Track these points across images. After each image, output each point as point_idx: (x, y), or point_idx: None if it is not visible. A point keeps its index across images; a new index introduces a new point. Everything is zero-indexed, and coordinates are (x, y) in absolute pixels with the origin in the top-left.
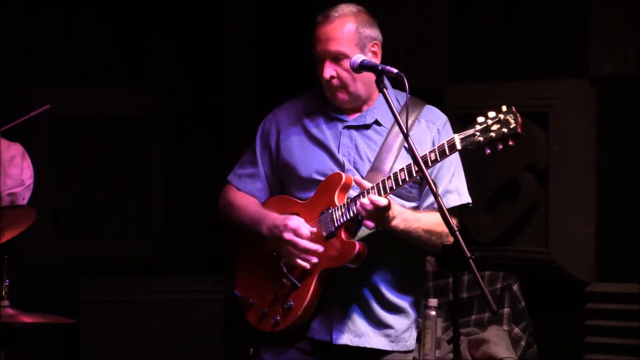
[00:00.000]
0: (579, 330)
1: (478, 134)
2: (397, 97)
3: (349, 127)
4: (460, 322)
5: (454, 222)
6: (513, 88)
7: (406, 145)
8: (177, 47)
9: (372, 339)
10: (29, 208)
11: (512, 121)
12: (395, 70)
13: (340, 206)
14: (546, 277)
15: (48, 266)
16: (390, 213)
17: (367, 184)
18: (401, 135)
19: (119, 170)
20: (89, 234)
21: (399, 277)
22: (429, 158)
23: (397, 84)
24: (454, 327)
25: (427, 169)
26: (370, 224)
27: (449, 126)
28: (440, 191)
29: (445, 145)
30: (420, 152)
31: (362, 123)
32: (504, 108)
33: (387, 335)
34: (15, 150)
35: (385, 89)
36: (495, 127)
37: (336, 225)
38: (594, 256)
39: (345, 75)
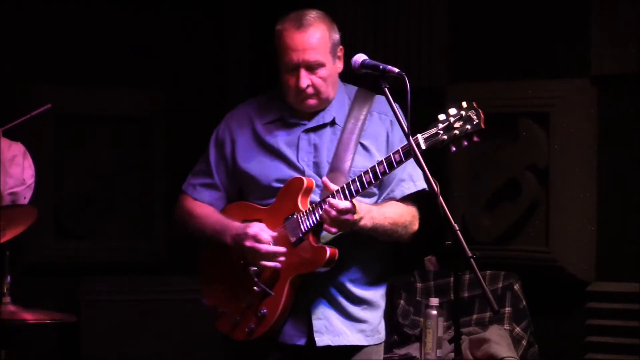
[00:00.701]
0: (579, 329)
1: (441, 132)
2: (347, 92)
3: (307, 131)
4: (461, 321)
5: (413, 210)
6: (514, 88)
7: (363, 142)
8: (178, 47)
9: (350, 336)
10: (30, 207)
11: (475, 117)
12: (397, 70)
13: (306, 211)
14: (547, 276)
15: (49, 265)
16: (356, 215)
17: (333, 186)
18: (356, 132)
19: (119, 169)
20: (90, 233)
21: (366, 272)
22: (393, 159)
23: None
24: (455, 326)
25: (391, 171)
26: (332, 229)
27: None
28: (394, 181)
29: (409, 146)
30: (374, 145)
31: (320, 123)
32: (465, 104)
33: (362, 331)
34: (16, 150)
35: (386, 88)
36: (458, 125)
37: (303, 231)
38: (595, 256)
39: (319, 82)
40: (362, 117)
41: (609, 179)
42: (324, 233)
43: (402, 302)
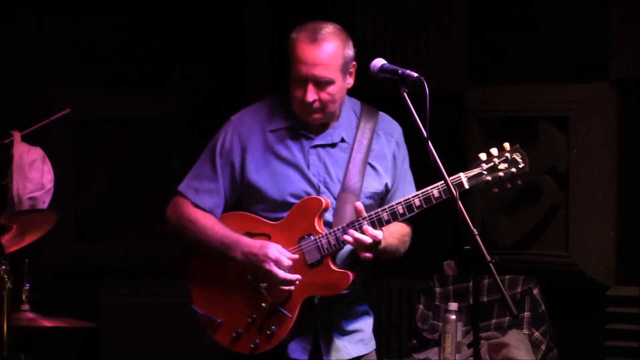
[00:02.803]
0: (599, 333)
1: (485, 173)
2: (353, 107)
3: (316, 146)
4: (480, 326)
5: (410, 229)
6: (533, 91)
7: (371, 162)
8: (197, 50)
9: (350, 349)
10: (50, 212)
11: (520, 160)
12: (415, 74)
13: (326, 234)
14: (566, 280)
15: (69, 269)
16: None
17: (364, 212)
18: (364, 152)
19: (138, 173)
20: (110, 237)
21: (361, 287)
22: (432, 195)
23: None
24: (474, 331)
25: (428, 205)
26: (369, 255)
27: (402, 137)
28: (397, 200)
29: (451, 184)
30: (382, 166)
31: (329, 142)
32: (507, 146)
33: (361, 340)
34: (35, 154)
35: (405, 93)
36: (502, 166)
37: (323, 254)
38: (614, 259)
39: (327, 98)
40: (368, 135)
41: (628, 182)
42: (340, 255)
43: (421, 306)
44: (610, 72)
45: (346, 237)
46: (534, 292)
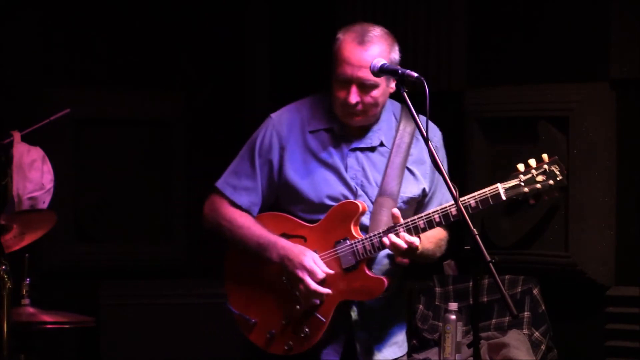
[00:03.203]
0: (599, 334)
1: (523, 184)
2: (393, 110)
3: (354, 149)
4: (480, 326)
5: (446, 234)
6: (533, 91)
7: (409, 167)
8: (198, 50)
9: (385, 351)
10: (50, 212)
11: (558, 172)
12: (415, 74)
13: (362, 240)
14: (566, 280)
15: (68, 269)
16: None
17: (401, 219)
18: (403, 156)
19: (139, 173)
20: (110, 237)
21: (394, 286)
22: (469, 205)
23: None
24: (474, 331)
25: (463, 216)
26: (405, 260)
27: (442, 141)
28: (435, 205)
29: (488, 195)
30: (420, 171)
31: (368, 145)
32: (546, 157)
33: (395, 343)
34: (35, 154)
35: (405, 92)
36: (540, 178)
37: (358, 259)
38: (614, 260)
39: (370, 102)
40: (407, 139)
41: (628, 183)
42: (375, 260)
43: (421, 306)
44: (610, 72)
45: (385, 239)
46: (534, 292)
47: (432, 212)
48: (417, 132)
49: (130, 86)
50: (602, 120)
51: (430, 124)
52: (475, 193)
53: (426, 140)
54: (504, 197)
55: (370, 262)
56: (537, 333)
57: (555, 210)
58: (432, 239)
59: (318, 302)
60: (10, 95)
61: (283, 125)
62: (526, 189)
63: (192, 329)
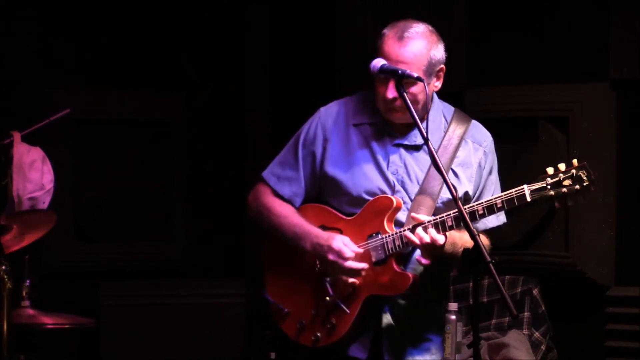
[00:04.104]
0: (599, 334)
1: (549, 187)
2: (444, 112)
3: (398, 145)
4: (480, 326)
5: (488, 242)
6: (533, 92)
7: (454, 168)
8: (197, 50)
9: (415, 354)
10: (50, 212)
11: (585, 178)
12: (415, 75)
13: (393, 234)
14: (566, 281)
15: (68, 270)
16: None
17: (423, 218)
18: (446, 156)
19: (139, 173)
20: (110, 237)
21: (434, 287)
22: (494, 205)
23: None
24: (474, 331)
25: (490, 214)
26: (425, 261)
27: (493, 146)
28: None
29: (514, 195)
30: (465, 174)
31: (413, 143)
32: (575, 162)
33: (427, 350)
34: (35, 155)
35: (405, 94)
36: (567, 182)
37: (387, 253)
38: (614, 260)
39: (409, 98)
40: (455, 142)
41: (628, 183)
42: (412, 262)
43: None
44: (609, 73)
45: (407, 233)
46: (534, 292)
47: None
48: (468, 135)
49: (131, 86)
50: (602, 120)
51: (481, 127)
52: (502, 194)
53: (426, 140)
54: (529, 199)
55: (404, 261)
56: (537, 333)
57: (555, 210)
58: (463, 241)
59: (350, 290)
60: (10, 95)
61: (329, 118)
62: (552, 192)
63: (192, 329)
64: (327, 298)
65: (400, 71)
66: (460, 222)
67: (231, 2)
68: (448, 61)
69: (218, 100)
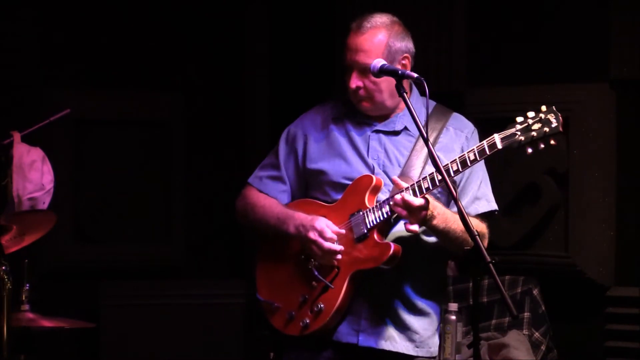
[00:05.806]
0: (599, 334)
1: (519, 133)
2: (425, 105)
3: (377, 132)
4: (480, 326)
5: (483, 227)
6: (533, 92)
7: (432, 151)
8: (197, 50)
9: (398, 343)
10: (49, 212)
11: (554, 120)
12: (415, 75)
13: (372, 208)
14: (566, 281)
15: (68, 270)
16: (429, 212)
17: (404, 184)
18: (430, 143)
19: (138, 174)
20: (109, 238)
21: (426, 280)
22: (467, 158)
23: (417, 89)
24: (474, 331)
25: (464, 169)
26: (412, 227)
27: (476, 135)
28: (469, 197)
29: (485, 144)
30: (447, 159)
31: (391, 129)
32: (544, 108)
33: (412, 340)
34: (35, 155)
35: (405, 94)
36: (536, 127)
37: (368, 227)
38: (614, 260)
39: (371, 86)
40: (437, 129)
41: (628, 183)
42: (392, 231)
43: None
44: (609, 73)
45: (385, 206)
46: (534, 292)
47: (435, 172)
48: (449, 124)
49: (131, 86)
50: (602, 121)
51: (463, 118)
52: (474, 146)
53: (426, 141)
54: (500, 146)
55: (385, 232)
56: (537, 333)
57: (555, 211)
58: (459, 223)
59: (335, 270)
60: (10, 95)
61: (308, 116)
62: (522, 137)
63: (192, 329)
64: (314, 283)
65: (400, 71)
66: (436, 182)
67: (231, 2)
68: (448, 61)
69: (218, 100)
